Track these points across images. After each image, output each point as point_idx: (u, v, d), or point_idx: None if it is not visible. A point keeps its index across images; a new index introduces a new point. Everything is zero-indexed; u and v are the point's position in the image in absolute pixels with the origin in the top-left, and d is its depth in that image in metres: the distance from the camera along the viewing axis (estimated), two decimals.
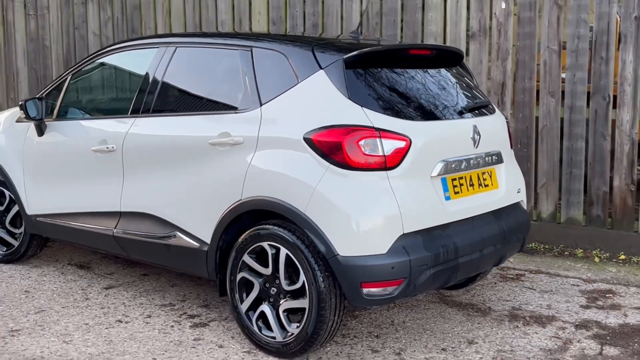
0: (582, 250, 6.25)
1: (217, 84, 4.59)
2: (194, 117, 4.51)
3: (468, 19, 6.63)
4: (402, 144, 3.87)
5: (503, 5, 6.40)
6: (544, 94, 6.35)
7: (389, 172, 3.84)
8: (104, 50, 5.23)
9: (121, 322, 4.65)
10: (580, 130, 6.26)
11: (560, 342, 4.36)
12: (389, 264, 3.77)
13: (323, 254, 3.82)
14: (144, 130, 4.70)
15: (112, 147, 4.80)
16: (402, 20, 6.83)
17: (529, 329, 4.56)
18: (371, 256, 3.77)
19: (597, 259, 6.07)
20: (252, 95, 4.24)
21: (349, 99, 3.93)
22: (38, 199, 5.41)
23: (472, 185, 4.26)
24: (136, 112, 4.80)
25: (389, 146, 3.84)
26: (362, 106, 3.91)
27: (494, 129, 4.53)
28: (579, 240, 6.31)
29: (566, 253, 6.25)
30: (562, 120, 6.35)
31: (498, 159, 4.49)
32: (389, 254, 3.78)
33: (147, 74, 4.82)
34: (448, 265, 4.02)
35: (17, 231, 5.77)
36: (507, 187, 4.54)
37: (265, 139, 4.09)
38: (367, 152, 3.80)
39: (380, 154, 3.82)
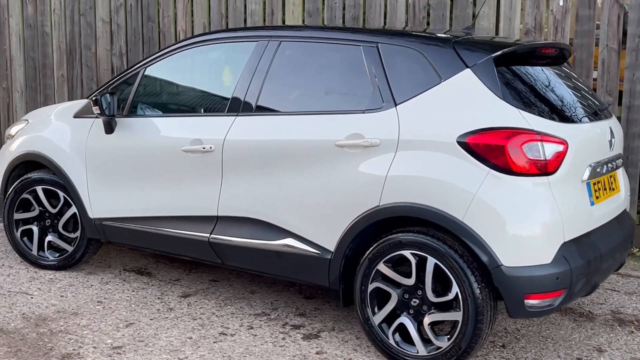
0: (638, 250, 6.24)
1: (335, 81, 4.30)
2: (310, 117, 4.21)
3: (522, 15, 6.52)
4: (560, 147, 3.70)
5: (561, 3, 6.30)
6: (601, 92, 6.30)
7: (549, 177, 3.66)
8: (186, 43, 4.81)
9: (225, 334, 4.34)
10: (637, 130, 6.24)
11: None
12: (554, 274, 3.61)
13: (484, 264, 3.63)
14: (248, 131, 4.37)
15: (210, 148, 4.44)
16: (451, 13, 6.66)
17: None
18: (537, 266, 3.60)
19: None
20: (384, 94, 3.99)
21: (503, 99, 3.74)
22: (106, 202, 4.99)
23: (605, 189, 4.15)
24: (234, 110, 4.45)
25: (550, 150, 3.66)
26: (516, 107, 3.73)
27: (619, 131, 4.43)
28: (634, 239, 6.28)
29: None
30: (619, 119, 6.31)
31: (622, 162, 4.39)
32: (553, 263, 3.62)
33: (246, 69, 4.47)
34: (595, 273, 3.89)
35: (71, 235, 5.33)
36: (625, 190, 4.45)
37: (407, 141, 3.85)
38: (529, 157, 3.62)
39: (542, 158, 3.64)
